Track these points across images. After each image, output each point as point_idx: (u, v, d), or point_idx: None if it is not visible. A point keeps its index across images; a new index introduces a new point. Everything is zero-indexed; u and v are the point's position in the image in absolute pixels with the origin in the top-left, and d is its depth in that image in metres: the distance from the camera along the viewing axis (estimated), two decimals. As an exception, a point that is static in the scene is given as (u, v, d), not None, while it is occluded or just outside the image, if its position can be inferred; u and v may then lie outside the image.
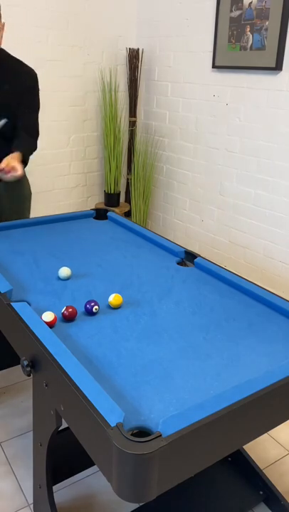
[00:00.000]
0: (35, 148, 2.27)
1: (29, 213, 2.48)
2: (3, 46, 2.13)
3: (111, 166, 3.53)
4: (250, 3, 2.65)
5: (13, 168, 1.96)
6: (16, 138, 2.20)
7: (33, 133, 2.27)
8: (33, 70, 2.16)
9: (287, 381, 1.14)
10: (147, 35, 3.48)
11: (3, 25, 2.02)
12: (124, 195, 3.90)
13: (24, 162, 2.12)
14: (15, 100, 2.13)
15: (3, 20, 2.04)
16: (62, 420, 1.27)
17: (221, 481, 1.71)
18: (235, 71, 2.86)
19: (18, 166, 1.97)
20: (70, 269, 1.72)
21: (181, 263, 1.90)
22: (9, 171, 1.96)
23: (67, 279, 1.69)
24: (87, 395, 1.05)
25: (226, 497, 1.66)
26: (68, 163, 3.57)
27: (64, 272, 1.68)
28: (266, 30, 2.59)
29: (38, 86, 2.20)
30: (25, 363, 1.31)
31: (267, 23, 2.58)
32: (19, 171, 1.97)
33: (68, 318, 1.42)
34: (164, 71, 3.41)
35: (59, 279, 1.69)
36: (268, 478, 1.73)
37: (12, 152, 2.08)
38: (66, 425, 1.75)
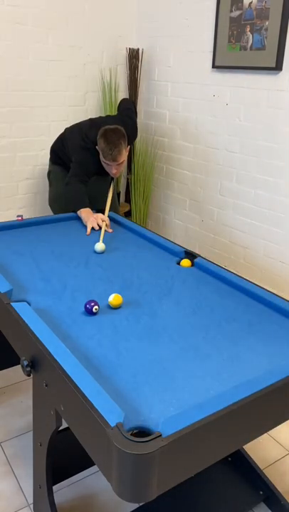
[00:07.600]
0: None
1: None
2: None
3: (111, 166, 3.52)
4: (250, 3, 2.65)
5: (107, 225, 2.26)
6: None
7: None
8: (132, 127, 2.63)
9: (287, 381, 1.14)
10: (147, 35, 3.48)
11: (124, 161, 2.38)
12: (124, 195, 3.90)
13: None
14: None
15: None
16: (63, 420, 1.27)
17: (221, 481, 1.71)
18: (235, 71, 2.86)
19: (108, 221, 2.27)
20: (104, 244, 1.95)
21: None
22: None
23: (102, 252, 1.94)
24: (87, 395, 1.05)
25: (225, 497, 1.66)
26: (68, 163, 3.56)
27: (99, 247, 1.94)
28: (266, 30, 2.59)
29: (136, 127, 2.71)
30: (26, 363, 1.31)
31: (267, 23, 2.58)
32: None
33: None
34: (164, 71, 3.41)
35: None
36: (268, 478, 1.73)
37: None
38: (66, 425, 1.75)
